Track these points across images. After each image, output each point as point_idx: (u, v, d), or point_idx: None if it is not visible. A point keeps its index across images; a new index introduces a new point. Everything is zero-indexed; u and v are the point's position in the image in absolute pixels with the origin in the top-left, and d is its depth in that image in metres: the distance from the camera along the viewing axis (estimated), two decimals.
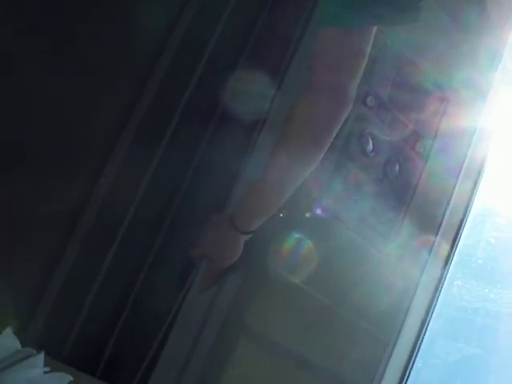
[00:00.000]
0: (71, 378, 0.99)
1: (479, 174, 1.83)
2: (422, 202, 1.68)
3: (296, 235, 1.44)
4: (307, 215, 1.48)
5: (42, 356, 0.96)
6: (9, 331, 0.98)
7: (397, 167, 1.63)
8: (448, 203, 1.75)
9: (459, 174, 1.77)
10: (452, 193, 1.76)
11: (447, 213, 1.75)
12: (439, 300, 1.76)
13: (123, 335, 1.48)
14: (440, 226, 1.74)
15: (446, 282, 1.77)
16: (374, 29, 1.26)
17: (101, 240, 1.46)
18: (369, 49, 1.26)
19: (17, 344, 0.98)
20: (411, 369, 1.71)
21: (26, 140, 1.31)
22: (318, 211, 1.49)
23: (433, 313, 1.75)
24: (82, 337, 1.53)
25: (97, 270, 1.45)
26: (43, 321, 1.50)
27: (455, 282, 2.44)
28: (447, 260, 1.77)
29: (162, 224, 1.45)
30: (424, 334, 1.74)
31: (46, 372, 0.96)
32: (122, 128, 1.39)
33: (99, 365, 1.44)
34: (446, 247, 1.77)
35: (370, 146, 1.58)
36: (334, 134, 1.30)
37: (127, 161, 1.37)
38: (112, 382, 1.40)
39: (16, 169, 1.32)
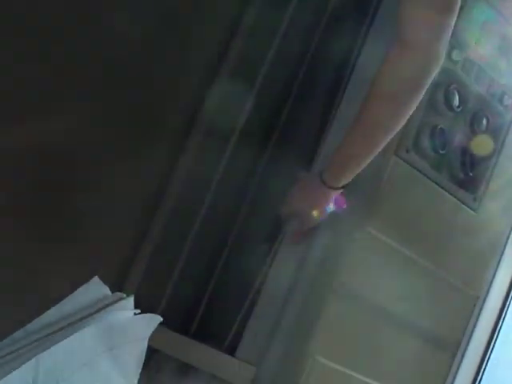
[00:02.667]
0: (161, 319, 1.00)
1: None
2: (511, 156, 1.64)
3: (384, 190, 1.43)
4: (395, 172, 1.47)
5: (131, 299, 0.97)
6: (96, 279, 0.99)
7: (484, 121, 1.60)
8: None
9: None
10: None
11: None
12: None
13: (215, 296, 1.50)
14: None
15: None
16: None
17: (190, 202, 1.49)
18: (459, 3, 1.23)
19: (106, 289, 1.00)
20: (503, 321, 1.69)
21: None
22: (406, 168, 1.48)
23: None
24: (175, 297, 1.55)
25: (188, 230, 1.48)
26: (136, 283, 1.53)
27: None
28: None
29: (251, 182, 1.46)
30: None
31: (136, 314, 0.97)
32: None
33: (192, 325, 1.46)
34: None
35: (457, 101, 1.55)
36: (425, 91, 1.28)
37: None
38: (204, 342, 1.42)
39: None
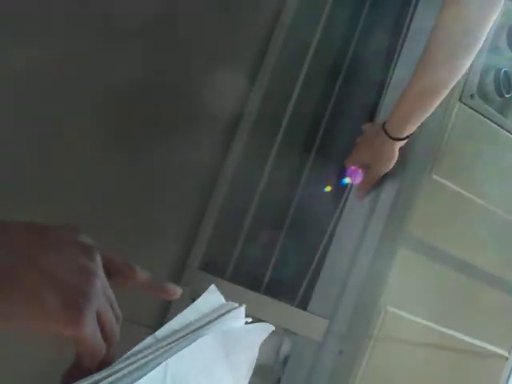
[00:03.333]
0: (273, 328, 1.04)
1: None
2: None
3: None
4: (460, 118, 1.44)
5: (243, 308, 1.01)
6: (213, 288, 1.03)
7: None
8: None
9: None
10: None
11: None
12: None
13: (283, 252, 1.51)
14: None
15: None
16: None
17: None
18: None
19: (221, 299, 1.04)
20: None
21: None
22: (471, 113, 1.46)
23: None
24: (244, 255, 1.57)
25: (254, 188, 1.50)
26: (206, 242, 1.56)
27: None
28: None
29: (318, 131, 1.46)
30: None
31: (247, 322, 1.02)
32: None
33: (263, 281, 1.48)
34: None
35: None
36: (485, 37, 1.25)
37: None
38: (276, 298, 1.44)
39: None
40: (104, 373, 0.79)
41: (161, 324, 1.16)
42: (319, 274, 1.39)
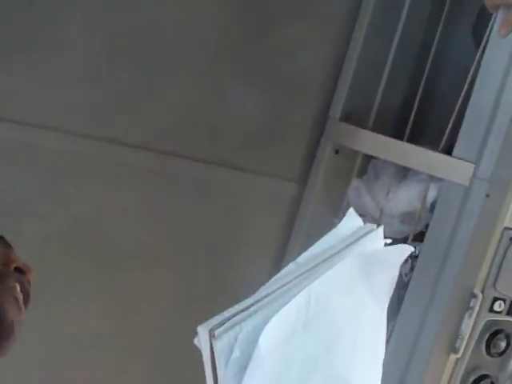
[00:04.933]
0: (412, 249, 1.04)
1: None
2: None
3: None
4: None
5: (381, 229, 1.02)
6: (351, 211, 1.05)
7: None
8: None
9: None
10: None
11: None
12: None
13: (426, 98, 1.49)
14: None
15: None
16: None
17: None
18: None
19: (359, 221, 1.06)
20: None
21: None
22: None
23: None
24: (385, 104, 1.56)
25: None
26: (346, 92, 1.56)
27: None
28: None
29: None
30: None
31: (386, 244, 1.03)
32: None
33: (406, 129, 1.47)
34: None
35: None
36: None
37: None
38: (420, 145, 1.43)
39: None
40: (250, 300, 0.83)
41: (305, 178, 1.22)
42: (463, 117, 1.36)
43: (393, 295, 1.01)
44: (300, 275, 0.88)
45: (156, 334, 1.50)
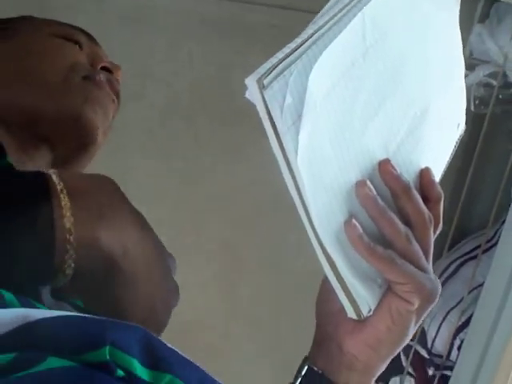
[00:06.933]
0: None
1: None
2: None
3: None
4: None
5: None
6: None
7: None
8: None
9: None
10: None
11: None
12: None
13: None
14: None
15: None
16: None
17: None
18: None
19: None
20: None
21: None
22: None
23: None
24: None
25: None
26: None
27: None
28: None
29: None
30: None
31: None
32: None
33: None
34: None
35: None
36: None
37: None
38: None
39: None
40: (298, 40, 0.71)
41: None
42: None
43: None
44: (349, 3, 0.77)
45: None
